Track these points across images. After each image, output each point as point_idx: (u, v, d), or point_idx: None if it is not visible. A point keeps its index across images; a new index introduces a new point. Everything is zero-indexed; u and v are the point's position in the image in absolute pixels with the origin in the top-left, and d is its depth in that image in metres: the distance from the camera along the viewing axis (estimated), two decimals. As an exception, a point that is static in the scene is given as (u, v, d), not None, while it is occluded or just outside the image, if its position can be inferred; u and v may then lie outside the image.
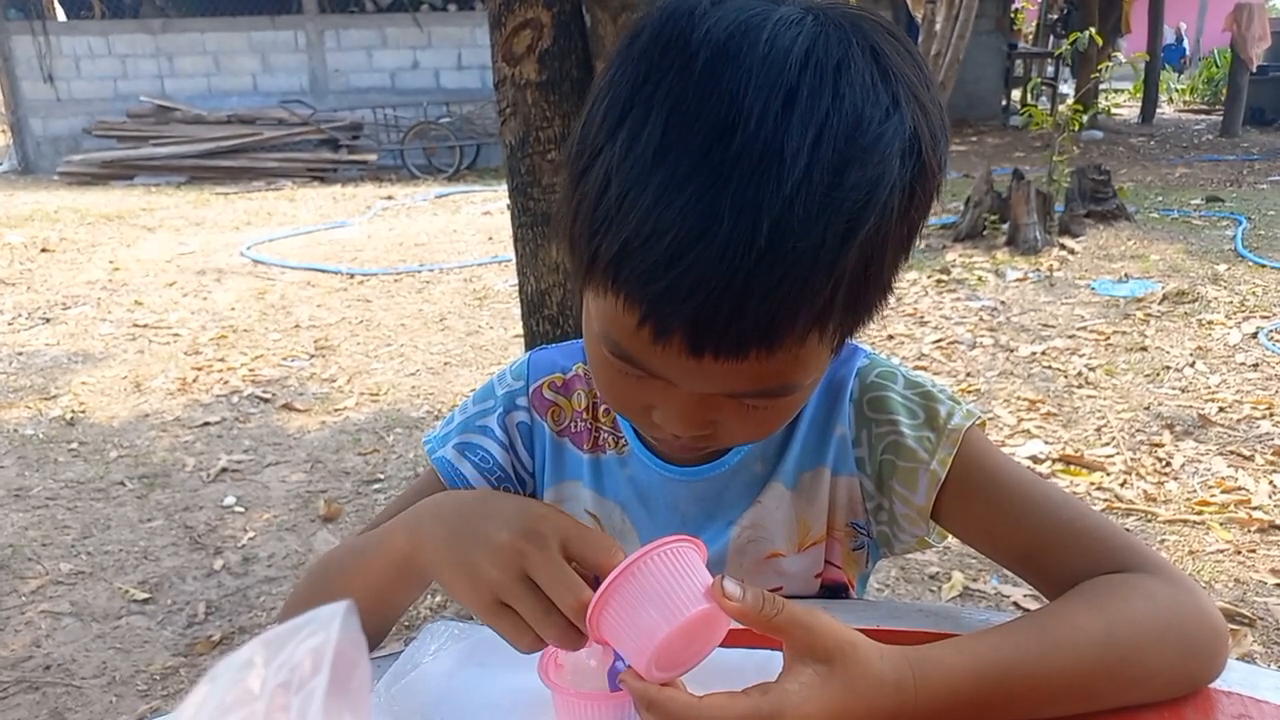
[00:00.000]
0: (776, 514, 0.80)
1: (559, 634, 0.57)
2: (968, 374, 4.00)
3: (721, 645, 0.58)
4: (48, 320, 5.32)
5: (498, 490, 0.83)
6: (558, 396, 0.85)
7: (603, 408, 0.84)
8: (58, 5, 12.62)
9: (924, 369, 4.08)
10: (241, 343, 4.80)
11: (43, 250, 7.25)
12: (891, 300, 0.63)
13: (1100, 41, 6.49)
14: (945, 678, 0.59)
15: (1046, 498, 0.73)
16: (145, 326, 5.15)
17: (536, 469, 0.86)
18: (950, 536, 0.79)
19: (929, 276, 5.60)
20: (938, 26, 6.20)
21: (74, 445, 3.52)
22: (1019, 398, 3.70)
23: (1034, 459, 3.15)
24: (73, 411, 3.85)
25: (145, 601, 2.48)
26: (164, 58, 11.72)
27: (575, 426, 0.85)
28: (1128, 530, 2.68)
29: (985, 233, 6.33)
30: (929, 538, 0.79)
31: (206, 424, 3.73)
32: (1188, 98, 17.38)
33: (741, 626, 0.57)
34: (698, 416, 0.62)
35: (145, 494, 3.12)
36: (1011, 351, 4.26)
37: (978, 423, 0.77)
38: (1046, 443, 3.29)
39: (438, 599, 2.44)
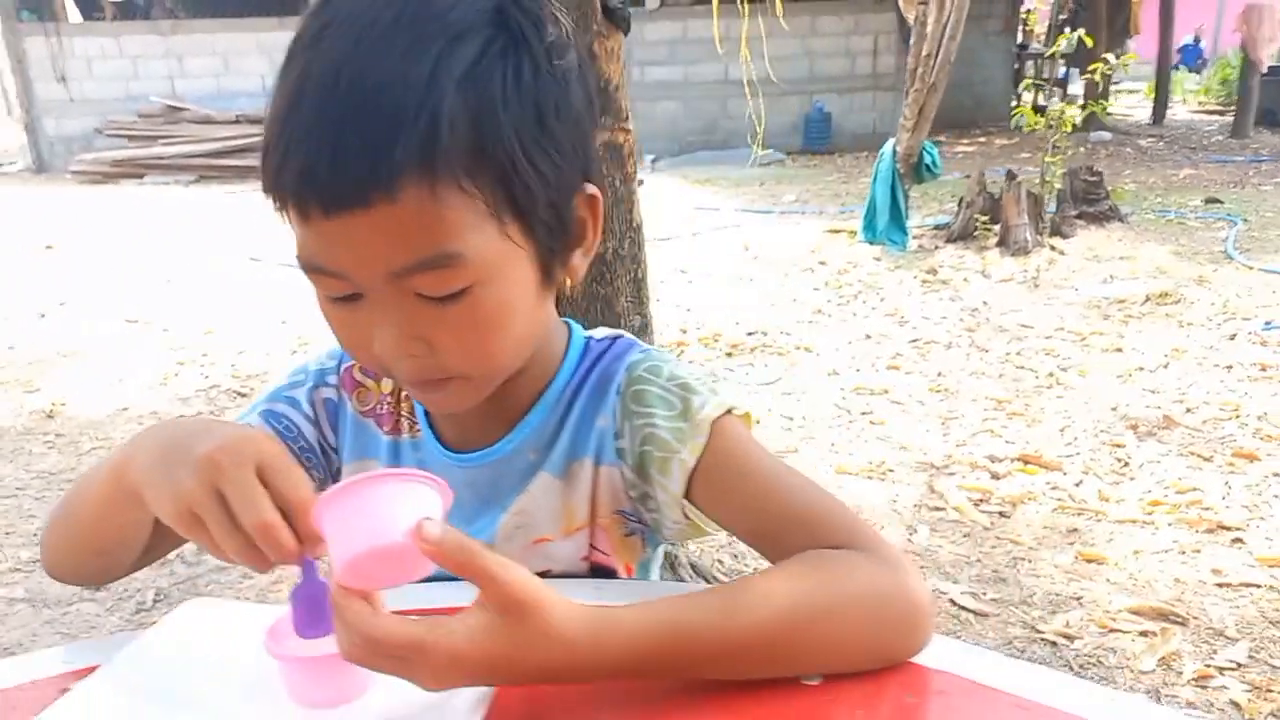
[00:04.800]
0: (543, 502, 0.83)
1: (239, 549, 0.59)
2: (939, 373, 4.00)
3: None
4: (42, 315, 5.42)
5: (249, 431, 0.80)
6: (366, 379, 0.89)
7: (403, 393, 0.87)
8: (70, 7, 12.80)
9: (895, 368, 4.09)
10: (227, 338, 4.86)
11: (47, 247, 7.37)
12: (561, 195, 0.70)
13: (1090, 43, 6.45)
14: (621, 636, 0.62)
15: (785, 483, 0.76)
16: (136, 322, 5.24)
17: (340, 444, 0.90)
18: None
19: (915, 276, 5.60)
20: (929, 28, 6.18)
21: (50, 437, 3.59)
22: (987, 397, 3.70)
23: (991, 458, 3.15)
24: (53, 404, 3.92)
25: (97, 589, 2.54)
26: (174, 58, 11.86)
27: (380, 409, 0.88)
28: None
29: (976, 234, 6.32)
30: (705, 526, 0.81)
31: (182, 417, 3.79)
32: (1202, 98, 17.23)
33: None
34: (403, 329, 0.66)
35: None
36: (986, 352, 4.25)
37: (741, 414, 0.80)
38: (1008, 442, 3.29)
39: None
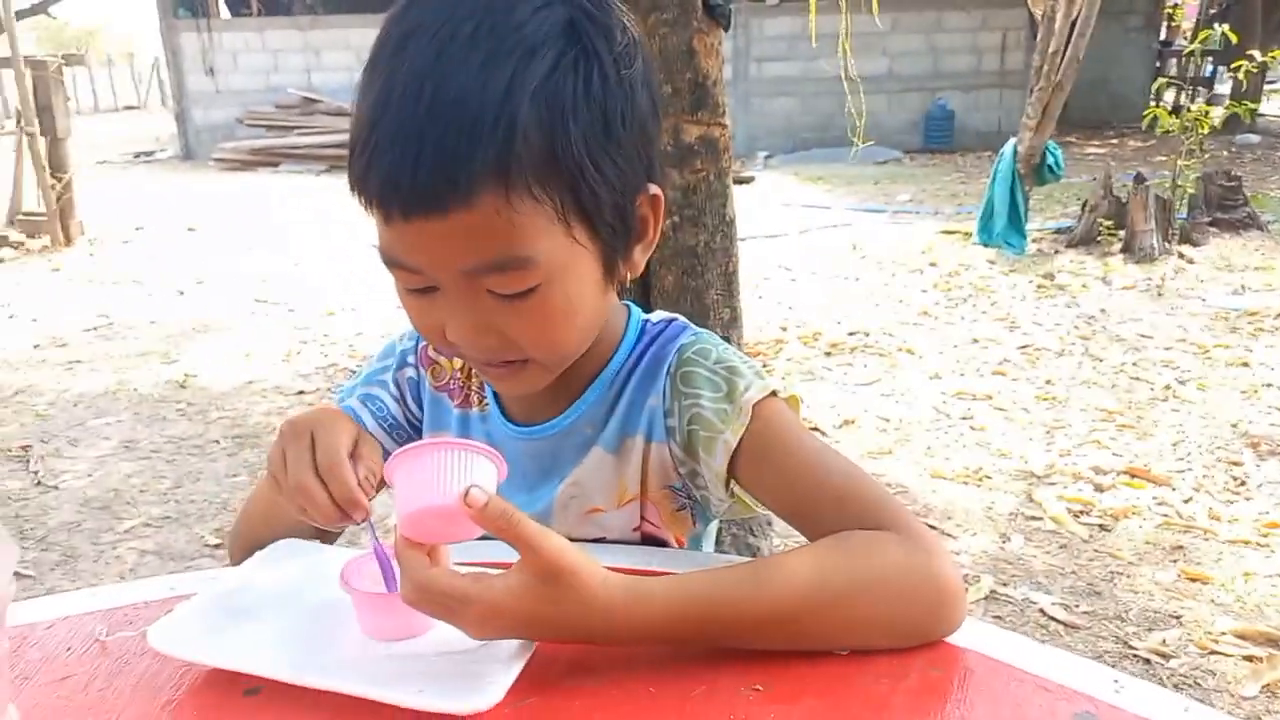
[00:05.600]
0: (596, 475, 0.88)
1: (295, 505, 0.71)
2: (1047, 381, 3.88)
3: None
4: (181, 293, 5.81)
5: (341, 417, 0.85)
6: (439, 357, 0.96)
7: (473, 370, 0.93)
8: (221, 4, 13.60)
9: (1001, 374, 3.98)
10: (347, 319, 5.11)
11: (189, 230, 7.88)
12: (625, 203, 0.73)
13: (1236, 39, 6.10)
14: (655, 607, 0.66)
15: (825, 465, 0.78)
16: (264, 302, 5.56)
17: (422, 418, 0.97)
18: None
19: (1030, 281, 5.43)
20: (1058, 24, 5.96)
21: (182, 405, 3.87)
22: (1096, 407, 3.57)
23: (1096, 469, 3.05)
24: (186, 375, 4.22)
25: (216, 547, 2.73)
26: (311, 52, 12.48)
27: (451, 384, 0.95)
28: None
29: (1100, 239, 6.08)
30: (751, 504, 0.84)
31: (301, 392, 4.02)
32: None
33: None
34: (476, 320, 0.71)
35: (236, 452, 3.40)
36: (1100, 361, 4.10)
37: (786, 397, 0.83)
38: (1115, 454, 3.18)
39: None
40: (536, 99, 0.65)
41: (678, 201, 1.92)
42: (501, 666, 0.64)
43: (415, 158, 0.63)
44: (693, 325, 0.90)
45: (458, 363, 0.94)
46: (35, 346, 4.74)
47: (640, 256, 0.79)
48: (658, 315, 0.91)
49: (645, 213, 0.77)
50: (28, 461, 3.33)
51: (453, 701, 0.61)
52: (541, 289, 0.70)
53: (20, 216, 7.28)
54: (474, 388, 0.93)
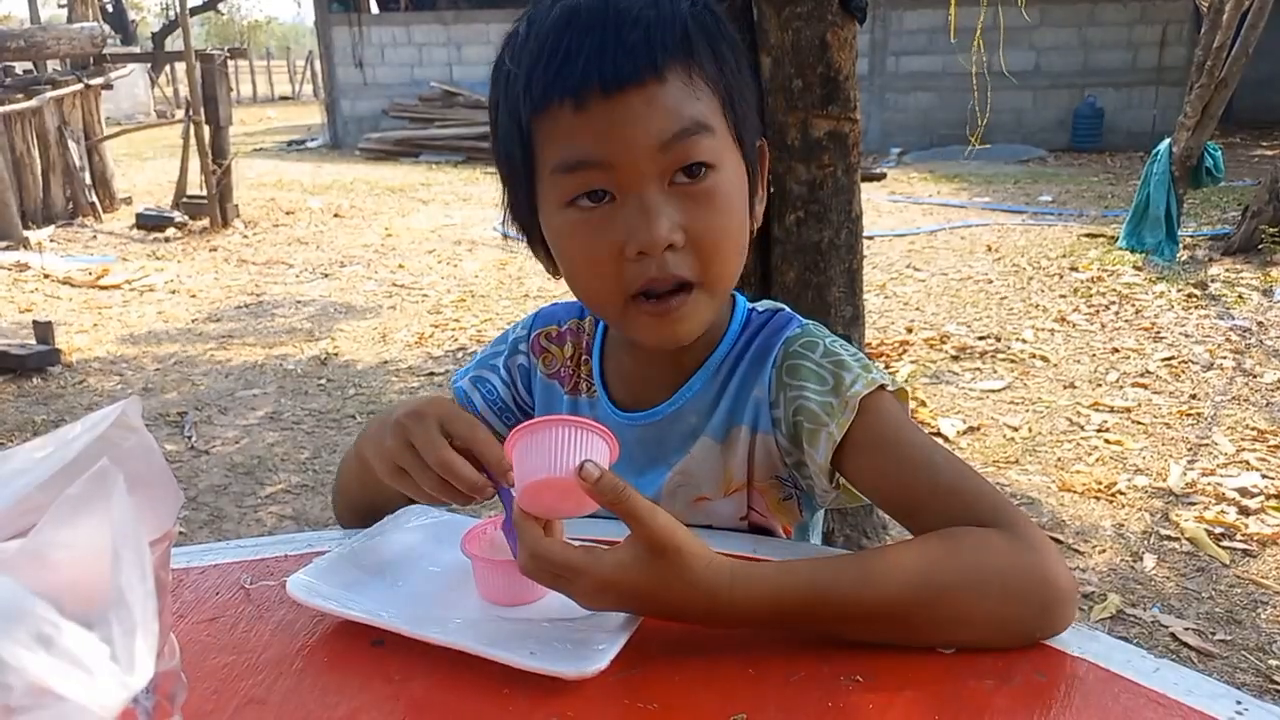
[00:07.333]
0: (704, 464, 0.89)
1: (434, 484, 0.72)
2: (1192, 396, 3.66)
3: None
4: (326, 275, 6.12)
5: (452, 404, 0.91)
6: (551, 345, 0.99)
7: (582, 357, 0.97)
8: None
9: (1142, 386, 3.79)
10: (476, 306, 5.29)
11: (335, 215, 8.28)
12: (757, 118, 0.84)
13: None
14: (758, 590, 0.67)
15: (932, 461, 0.77)
16: (402, 286, 5.80)
17: (533, 403, 1.01)
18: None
19: (1179, 290, 5.13)
20: (1226, 15, 5.59)
21: (323, 381, 4.09)
22: (1247, 426, 3.36)
23: (1243, 491, 2.87)
24: (327, 353, 4.45)
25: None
26: (453, 46, 12.92)
27: (561, 371, 0.98)
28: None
29: (1261, 247, 5.69)
30: (858, 495, 0.84)
31: (432, 374, 4.18)
32: None
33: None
34: (658, 215, 0.74)
35: (370, 427, 3.57)
36: (1254, 377, 3.84)
37: (895, 391, 0.82)
38: (1265, 476, 2.98)
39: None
40: (697, 17, 0.77)
41: (803, 197, 1.92)
42: (609, 636, 0.67)
43: (616, 39, 0.73)
44: (799, 317, 0.91)
45: (568, 350, 0.98)
46: (193, 320, 5.09)
47: (758, 207, 0.85)
48: (764, 304, 0.93)
49: (759, 156, 0.85)
50: (183, 427, 3.59)
51: (562, 665, 0.64)
52: (714, 174, 0.77)
53: (185, 200, 7.82)
54: (583, 375, 0.97)
